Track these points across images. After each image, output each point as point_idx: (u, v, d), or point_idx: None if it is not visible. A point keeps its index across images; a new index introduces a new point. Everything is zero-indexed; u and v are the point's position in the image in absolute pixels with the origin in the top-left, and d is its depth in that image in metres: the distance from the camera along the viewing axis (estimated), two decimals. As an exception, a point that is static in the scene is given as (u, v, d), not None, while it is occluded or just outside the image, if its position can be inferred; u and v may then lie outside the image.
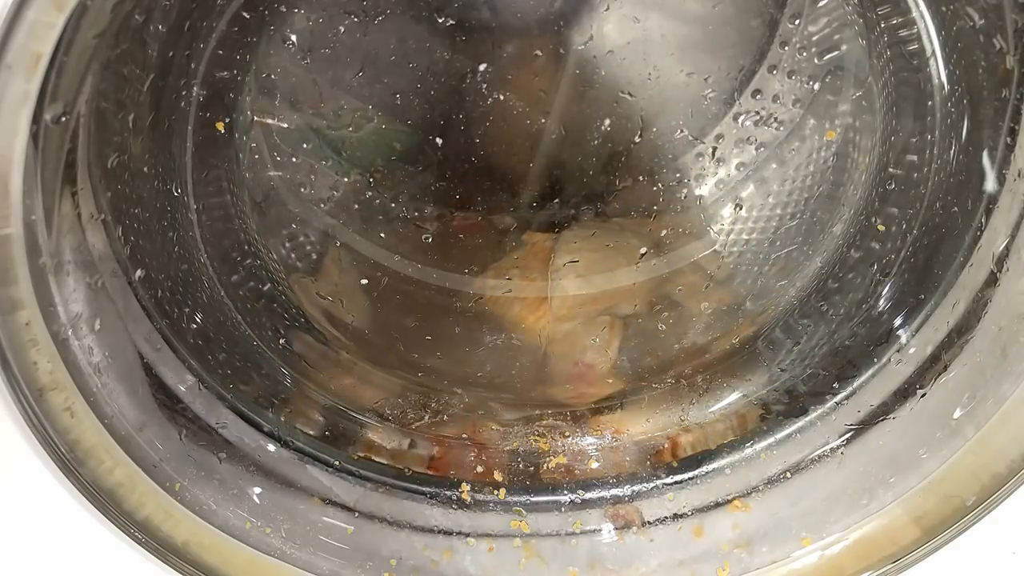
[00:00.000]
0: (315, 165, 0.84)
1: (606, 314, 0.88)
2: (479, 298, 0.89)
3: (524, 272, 0.89)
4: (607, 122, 0.82)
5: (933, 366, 0.71)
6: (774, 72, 0.82)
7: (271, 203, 0.83)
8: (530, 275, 0.89)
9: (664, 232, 0.87)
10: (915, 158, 0.73)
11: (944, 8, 0.66)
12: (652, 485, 0.80)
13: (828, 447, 0.76)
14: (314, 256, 0.85)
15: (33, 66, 0.50)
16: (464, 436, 0.84)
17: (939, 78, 0.68)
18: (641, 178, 0.85)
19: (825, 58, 0.78)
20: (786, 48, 0.81)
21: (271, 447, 0.76)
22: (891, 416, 0.73)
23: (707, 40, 0.81)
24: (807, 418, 0.77)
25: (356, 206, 0.86)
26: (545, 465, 0.83)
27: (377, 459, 0.80)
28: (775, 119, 0.83)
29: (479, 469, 0.82)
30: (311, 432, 0.79)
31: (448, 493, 0.80)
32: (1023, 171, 0.64)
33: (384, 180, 0.86)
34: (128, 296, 0.69)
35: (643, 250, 0.88)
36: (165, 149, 0.71)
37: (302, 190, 0.85)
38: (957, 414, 0.68)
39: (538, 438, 0.84)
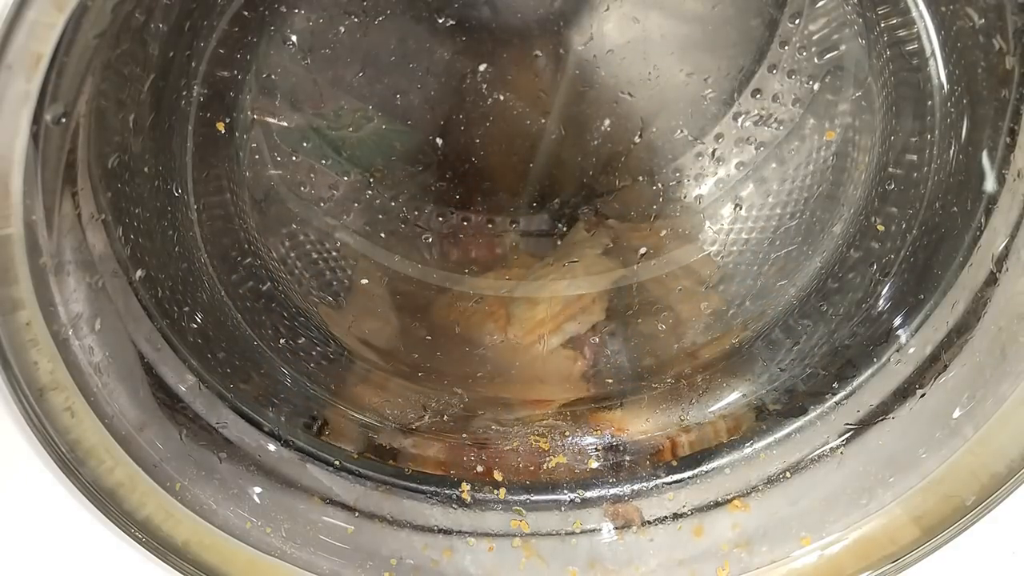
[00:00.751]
0: (315, 165, 0.84)
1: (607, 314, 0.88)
2: (479, 298, 0.89)
3: (524, 272, 0.89)
4: (607, 122, 0.82)
5: (932, 366, 0.71)
6: (774, 72, 0.82)
7: (271, 203, 0.83)
8: (530, 275, 0.89)
9: (664, 232, 0.87)
10: (915, 158, 0.73)
11: (944, 8, 0.66)
12: (652, 484, 0.80)
13: (828, 447, 0.76)
14: (313, 255, 0.85)
15: (33, 66, 0.50)
16: (464, 436, 0.84)
17: (939, 78, 0.68)
18: (641, 178, 0.85)
19: (825, 58, 0.78)
20: (786, 48, 0.80)
21: (271, 447, 0.77)
22: (890, 416, 0.73)
23: (707, 40, 0.81)
24: (806, 418, 0.77)
25: (356, 206, 0.86)
26: (545, 465, 0.83)
27: (377, 458, 0.80)
28: (775, 119, 0.83)
29: (479, 469, 0.82)
30: (311, 431, 0.79)
31: (448, 493, 0.80)
32: (1023, 171, 0.64)
33: (384, 180, 0.86)
34: (128, 296, 0.69)
35: (642, 250, 0.88)
36: (165, 149, 0.71)
37: (302, 189, 0.85)
38: (956, 414, 0.68)
39: (538, 438, 0.84)
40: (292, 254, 0.84)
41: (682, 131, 0.84)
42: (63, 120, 0.56)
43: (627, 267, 0.88)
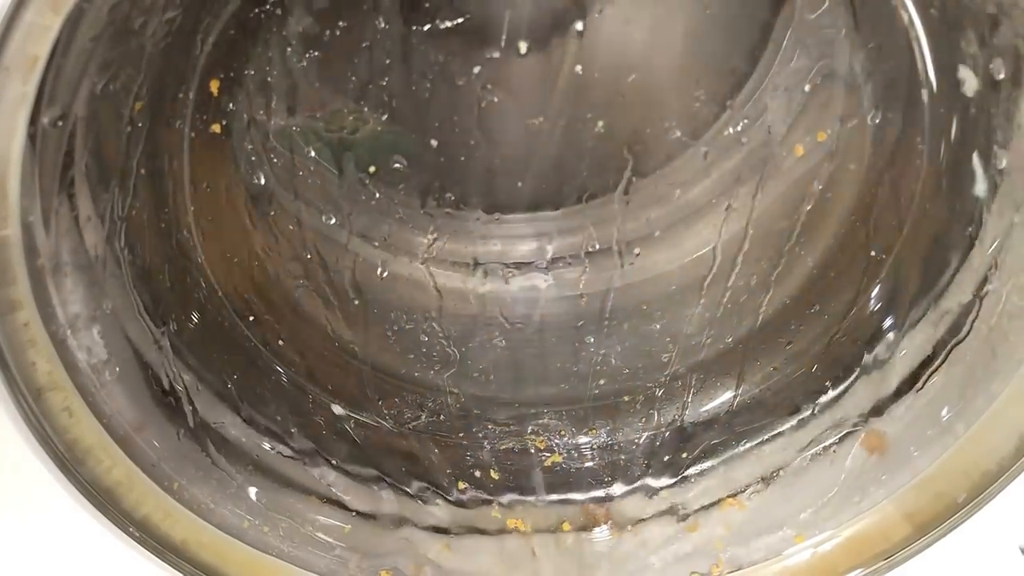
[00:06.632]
0: (312, 167, 0.84)
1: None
2: (477, 297, 0.89)
3: (520, 271, 0.89)
4: (601, 124, 0.82)
5: (924, 365, 0.71)
6: (766, 75, 0.82)
7: (267, 204, 0.83)
8: (527, 275, 0.89)
9: (658, 233, 0.88)
10: (905, 159, 0.73)
11: (934, 12, 0.66)
12: (646, 483, 0.81)
13: (820, 445, 0.76)
14: (310, 256, 0.85)
15: (30, 68, 0.51)
16: (460, 435, 0.84)
17: (929, 82, 0.68)
18: (635, 179, 0.86)
19: (817, 61, 0.78)
20: (779, 51, 0.80)
21: (269, 446, 0.77)
22: (882, 414, 0.73)
23: (701, 43, 0.81)
24: (799, 417, 0.78)
25: (353, 207, 0.87)
26: (541, 464, 0.83)
27: (374, 457, 0.81)
28: (767, 121, 0.83)
29: (475, 468, 0.82)
30: (309, 431, 0.79)
31: (445, 491, 0.80)
32: (1012, 172, 0.64)
33: (380, 182, 0.86)
34: (126, 296, 0.69)
35: (637, 250, 0.88)
36: (162, 150, 0.72)
37: (298, 191, 0.85)
38: (947, 413, 0.68)
39: (534, 437, 0.84)
40: (288, 255, 0.85)
41: (676, 132, 0.84)
42: (60, 122, 0.56)
43: (622, 267, 0.88)
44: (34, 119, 0.53)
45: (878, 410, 0.73)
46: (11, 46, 0.49)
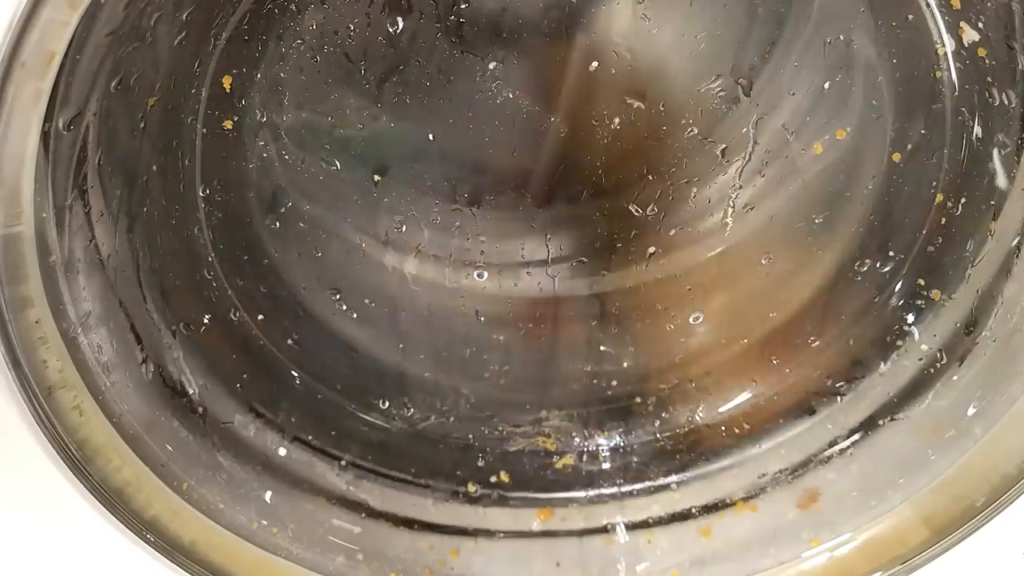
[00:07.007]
0: (323, 164, 0.84)
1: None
2: (487, 298, 0.89)
3: (532, 272, 0.89)
4: (616, 121, 0.82)
5: (943, 365, 0.71)
6: (783, 71, 0.81)
7: (278, 202, 0.83)
8: (538, 275, 0.89)
9: (673, 232, 0.87)
10: (926, 156, 0.73)
11: (956, 9, 0.66)
12: (659, 485, 0.80)
13: (837, 448, 0.76)
14: (320, 255, 0.85)
15: (47, 64, 0.50)
16: (471, 436, 0.84)
17: (950, 78, 0.68)
18: (650, 177, 0.85)
19: (835, 57, 0.78)
20: (796, 46, 0.80)
21: (279, 446, 0.77)
22: (900, 416, 0.73)
23: (717, 38, 0.80)
24: (816, 418, 0.77)
25: (363, 205, 0.86)
26: (553, 465, 0.83)
27: (384, 458, 0.80)
28: (785, 118, 0.82)
29: (486, 469, 0.82)
30: (319, 431, 0.79)
31: (455, 493, 0.80)
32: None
33: (391, 179, 0.86)
34: (137, 294, 0.69)
35: (651, 249, 0.88)
36: (173, 147, 0.71)
37: (309, 188, 0.85)
38: (967, 414, 0.68)
39: (545, 438, 0.84)
40: (299, 253, 0.84)
41: (692, 130, 0.83)
42: (75, 118, 0.56)
43: (636, 267, 0.88)
44: (49, 116, 0.53)
45: (895, 411, 0.73)
46: (29, 41, 0.49)
